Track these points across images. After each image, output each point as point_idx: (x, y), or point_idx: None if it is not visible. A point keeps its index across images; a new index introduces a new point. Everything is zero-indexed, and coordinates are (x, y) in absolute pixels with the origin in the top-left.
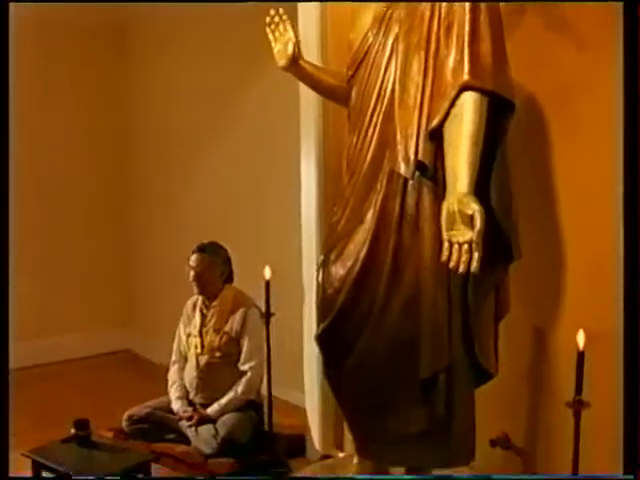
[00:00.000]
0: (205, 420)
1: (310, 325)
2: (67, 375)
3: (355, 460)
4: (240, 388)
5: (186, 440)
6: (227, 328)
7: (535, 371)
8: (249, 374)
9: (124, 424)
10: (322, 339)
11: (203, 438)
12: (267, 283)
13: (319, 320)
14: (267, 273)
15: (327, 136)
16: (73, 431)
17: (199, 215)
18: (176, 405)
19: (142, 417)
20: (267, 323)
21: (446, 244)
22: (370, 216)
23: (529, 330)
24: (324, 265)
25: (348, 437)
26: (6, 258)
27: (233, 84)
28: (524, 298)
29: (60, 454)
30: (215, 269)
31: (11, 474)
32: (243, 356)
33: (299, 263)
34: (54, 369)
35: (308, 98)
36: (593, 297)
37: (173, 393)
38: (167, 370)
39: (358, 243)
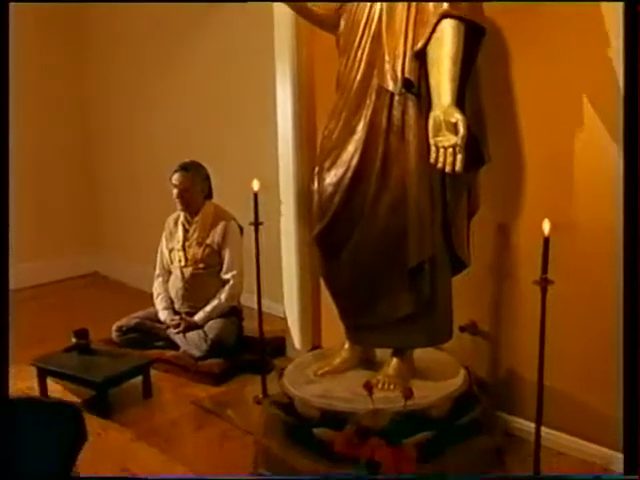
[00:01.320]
0: (192, 326)
1: (288, 238)
2: (41, 298)
3: (346, 346)
4: (223, 295)
5: (175, 346)
6: (209, 241)
7: (500, 263)
8: (231, 282)
9: (114, 335)
10: (319, 239)
11: (193, 342)
12: (255, 195)
13: (315, 222)
14: (255, 185)
15: (300, 57)
16: (74, 340)
17: (165, 136)
18: (163, 315)
19: (131, 327)
20: (256, 233)
21: (433, 148)
22: (361, 128)
23: (495, 226)
24: (319, 173)
25: (325, 336)
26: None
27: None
28: (491, 198)
29: (63, 362)
30: (197, 186)
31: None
32: (225, 266)
33: (276, 178)
34: (27, 293)
35: (281, 20)
36: (552, 192)
37: (159, 304)
38: (136, 288)
39: (350, 152)
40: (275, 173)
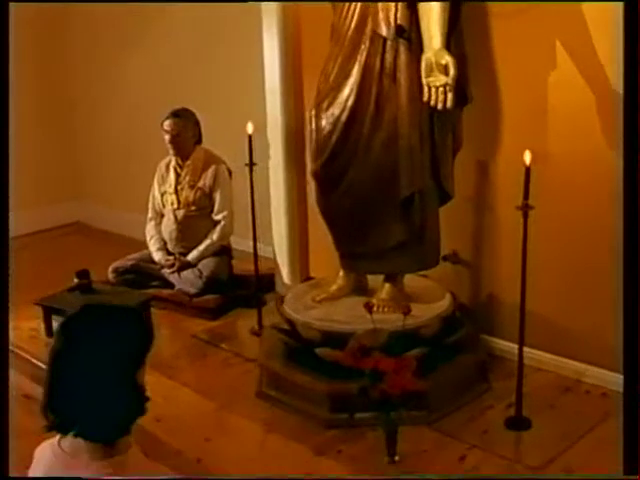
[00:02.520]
0: (186, 265)
1: (276, 179)
2: (24, 248)
3: (340, 274)
4: (215, 235)
5: (169, 285)
6: (200, 184)
7: (479, 195)
8: (222, 222)
9: (110, 276)
10: (317, 174)
11: (188, 280)
12: (250, 137)
13: (314, 159)
14: (249, 128)
15: (286, 7)
16: (76, 280)
17: (146, 85)
18: (157, 256)
19: (127, 268)
20: (250, 173)
21: (426, 88)
22: (356, 71)
23: (474, 162)
24: (316, 114)
25: (313, 272)
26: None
27: None
28: (471, 136)
29: (67, 301)
30: (188, 132)
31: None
32: (216, 207)
33: (263, 123)
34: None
35: None
36: (528, 129)
37: (153, 245)
38: (119, 234)
39: (346, 94)
40: (262, 119)
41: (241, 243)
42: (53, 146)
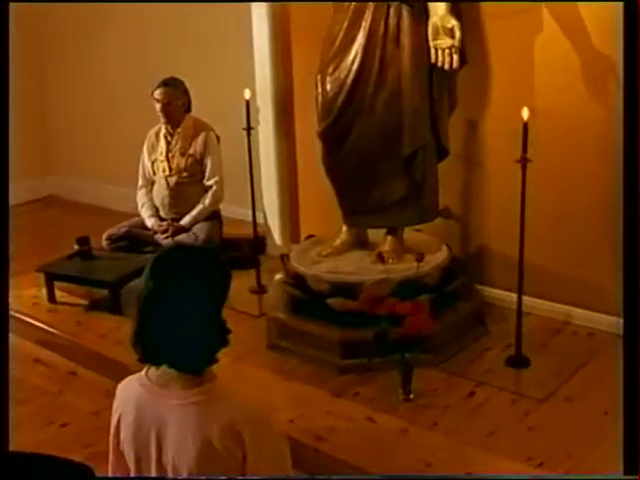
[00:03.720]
0: (180, 230)
1: (267, 145)
2: None
3: (343, 229)
4: (207, 200)
5: None
6: (191, 151)
7: (469, 153)
8: (214, 188)
9: (104, 243)
10: (324, 134)
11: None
12: (247, 103)
13: (320, 120)
14: (247, 94)
15: None
16: (76, 247)
17: (120, 57)
18: (150, 222)
19: (121, 235)
20: (248, 137)
21: (433, 50)
22: (361, 36)
23: (464, 121)
24: (322, 78)
25: (303, 233)
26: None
27: None
28: (461, 97)
29: (69, 267)
30: (178, 100)
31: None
32: (208, 173)
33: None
34: None
35: None
36: (519, 86)
37: (145, 212)
38: (94, 206)
39: (351, 57)
40: (246, 85)
41: (226, 209)
42: (21, 120)
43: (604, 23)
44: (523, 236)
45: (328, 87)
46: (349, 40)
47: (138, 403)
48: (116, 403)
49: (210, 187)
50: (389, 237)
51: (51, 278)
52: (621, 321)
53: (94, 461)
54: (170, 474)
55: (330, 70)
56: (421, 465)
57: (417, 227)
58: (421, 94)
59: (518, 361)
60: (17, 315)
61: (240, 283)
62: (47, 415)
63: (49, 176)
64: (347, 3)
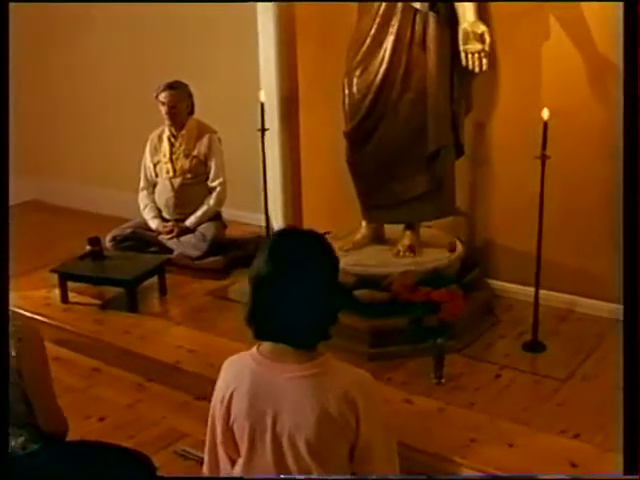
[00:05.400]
0: (184, 231)
1: (273, 152)
2: None
3: (363, 224)
4: (212, 201)
5: (167, 251)
6: (195, 152)
7: (475, 153)
8: (218, 189)
9: (109, 244)
10: (350, 134)
11: (190, 244)
12: (262, 104)
13: (347, 120)
14: (261, 96)
15: None
16: (88, 248)
17: (109, 58)
18: (154, 223)
19: (126, 236)
20: (262, 138)
21: (463, 54)
22: (388, 41)
23: (473, 123)
24: (349, 80)
25: None
26: None
27: None
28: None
29: (83, 267)
30: (182, 102)
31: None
32: (212, 175)
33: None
34: None
35: None
36: (523, 93)
37: (147, 214)
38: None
39: (378, 61)
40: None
41: (223, 211)
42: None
43: (607, 24)
44: (541, 231)
45: (355, 89)
46: (377, 44)
47: (253, 377)
48: (225, 381)
49: (214, 188)
50: (408, 232)
51: (65, 278)
52: (621, 307)
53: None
54: (285, 442)
55: (357, 73)
56: (466, 441)
57: (428, 223)
58: (444, 95)
59: (535, 346)
60: (30, 315)
61: None
62: (82, 409)
63: (30, 179)
64: (374, 9)
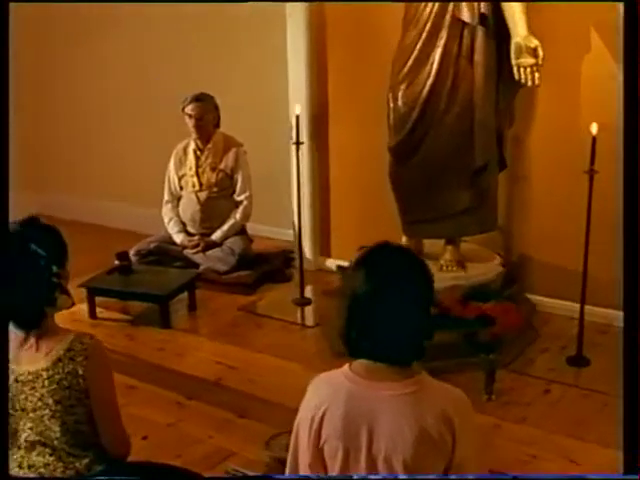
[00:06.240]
0: (211, 245)
1: (302, 166)
2: None
3: (403, 239)
4: (239, 215)
5: (193, 265)
6: (222, 166)
7: (513, 167)
8: (245, 203)
9: (133, 258)
10: (396, 149)
11: (216, 258)
12: (297, 117)
13: (392, 134)
14: (297, 109)
15: None
16: (116, 262)
17: (117, 69)
18: (178, 238)
19: (150, 250)
20: (297, 151)
21: (515, 68)
22: (435, 54)
23: (510, 138)
24: (394, 94)
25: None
26: None
27: None
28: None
29: (111, 282)
30: (209, 115)
31: None
32: (238, 189)
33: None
34: None
35: None
36: (560, 108)
37: (172, 228)
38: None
39: (425, 74)
40: (279, 104)
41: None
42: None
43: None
44: (588, 245)
45: (401, 102)
46: (424, 57)
47: (348, 397)
48: (316, 400)
49: (241, 202)
50: (449, 247)
51: (94, 294)
52: None
53: None
54: (381, 463)
55: (403, 87)
56: (526, 457)
57: (466, 238)
58: (491, 109)
59: (579, 360)
60: None
61: (278, 295)
62: None
63: (37, 193)
64: (422, 22)
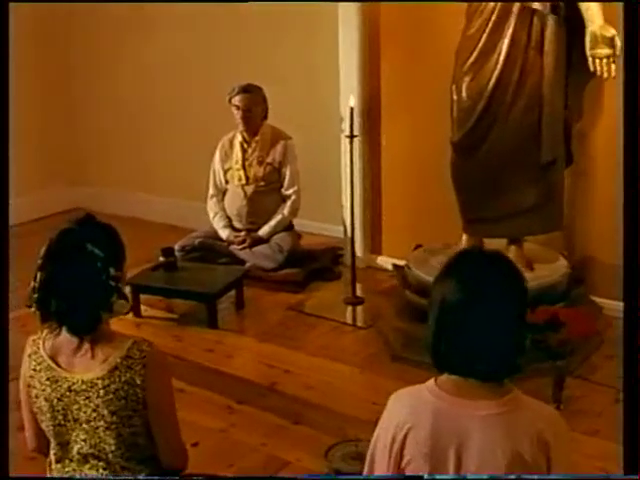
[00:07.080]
0: (258, 241)
1: (346, 158)
2: (26, 236)
3: (464, 238)
4: (286, 210)
5: (238, 261)
6: (269, 159)
7: (576, 163)
8: (293, 197)
9: (178, 254)
10: (459, 143)
11: (263, 255)
12: (351, 109)
13: (456, 129)
14: (351, 101)
15: None
16: (161, 259)
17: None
18: (224, 233)
19: (195, 246)
20: (351, 145)
21: (590, 59)
22: (502, 43)
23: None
24: (458, 86)
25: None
26: None
27: None
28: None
29: (156, 279)
30: (257, 107)
31: None
32: (286, 183)
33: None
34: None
35: None
36: None
37: (217, 223)
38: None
39: (492, 65)
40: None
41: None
42: (48, 131)
43: None
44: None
45: (465, 95)
46: (490, 48)
47: (435, 415)
48: (399, 418)
49: (289, 196)
50: (513, 247)
51: (139, 291)
52: None
53: None
54: None
55: (468, 79)
56: (597, 470)
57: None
58: (560, 102)
59: None
60: None
61: (329, 294)
62: None
63: (76, 187)
64: (488, 11)
